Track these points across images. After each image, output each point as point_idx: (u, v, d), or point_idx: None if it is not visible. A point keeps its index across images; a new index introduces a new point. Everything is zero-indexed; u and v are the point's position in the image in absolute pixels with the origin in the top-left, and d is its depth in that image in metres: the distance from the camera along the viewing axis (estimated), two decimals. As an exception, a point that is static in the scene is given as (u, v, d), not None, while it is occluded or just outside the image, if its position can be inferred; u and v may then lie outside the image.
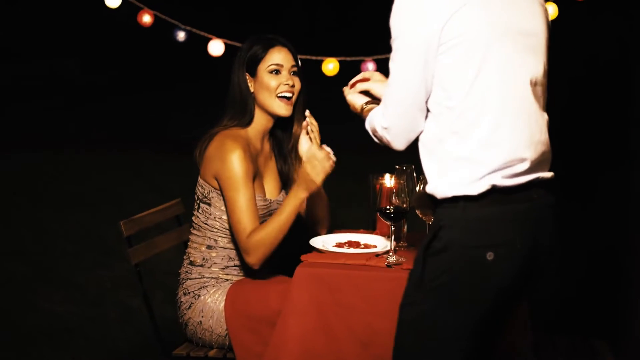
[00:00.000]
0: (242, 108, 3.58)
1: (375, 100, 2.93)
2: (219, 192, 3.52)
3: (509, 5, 2.49)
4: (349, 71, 5.04)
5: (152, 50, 14.22)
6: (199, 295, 3.56)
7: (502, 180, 2.45)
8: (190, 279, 3.60)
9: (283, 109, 3.57)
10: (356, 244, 3.39)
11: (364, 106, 2.92)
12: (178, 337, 3.70)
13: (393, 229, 3.20)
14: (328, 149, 3.39)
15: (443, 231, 2.46)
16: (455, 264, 2.45)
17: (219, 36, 4.81)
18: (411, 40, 2.43)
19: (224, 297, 3.50)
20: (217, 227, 3.57)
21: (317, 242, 3.40)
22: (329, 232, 3.73)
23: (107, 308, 5.47)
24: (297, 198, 3.37)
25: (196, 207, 3.64)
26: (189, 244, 3.67)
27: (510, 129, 2.46)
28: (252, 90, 3.58)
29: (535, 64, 2.53)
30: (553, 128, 2.66)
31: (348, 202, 3.97)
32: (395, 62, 2.49)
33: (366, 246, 3.37)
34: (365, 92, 2.99)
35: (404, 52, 2.46)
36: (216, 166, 3.48)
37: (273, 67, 3.55)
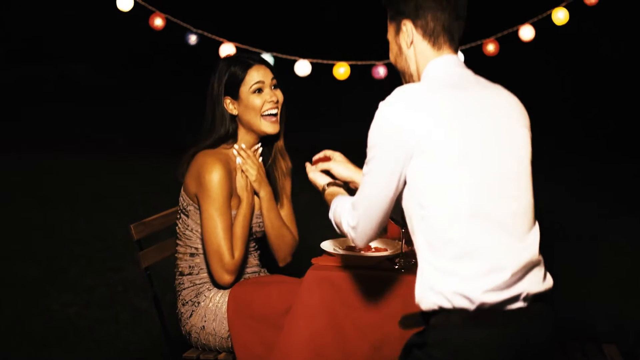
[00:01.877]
0: (222, 133, 3.60)
1: (336, 180, 3.04)
2: (196, 207, 3.56)
3: (485, 116, 2.48)
4: (360, 75, 5.06)
5: (165, 55, 14.24)
6: (199, 302, 3.58)
7: (482, 295, 2.39)
8: (184, 289, 3.63)
9: (270, 128, 3.60)
10: (367, 247, 3.39)
11: (325, 187, 3.01)
12: (185, 341, 3.71)
13: (404, 232, 3.20)
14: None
15: (425, 349, 2.44)
16: None
17: (230, 40, 4.83)
18: (386, 153, 2.45)
19: (226, 299, 3.52)
20: (193, 237, 3.61)
21: (327, 245, 3.40)
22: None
23: (117, 310, 5.47)
24: (243, 208, 3.55)
25: (178, 216, 3.69)
26: (175, 255, 3.70)
27: (485, 239, 2.42)
28: (235, 112, 3.60)
29: (515, 171, 2.50)
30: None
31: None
32: (369, 168, 2.52)
33: (377, 249, 3.37)
34: (327, 172, 3.09)
35: (378, 161, 2.48)
36: (196, 186, 3.51)
37: (255, 86, 3.56)
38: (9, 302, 5.55)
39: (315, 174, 3.09)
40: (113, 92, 13.52)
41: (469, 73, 2.59)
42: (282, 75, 3.87)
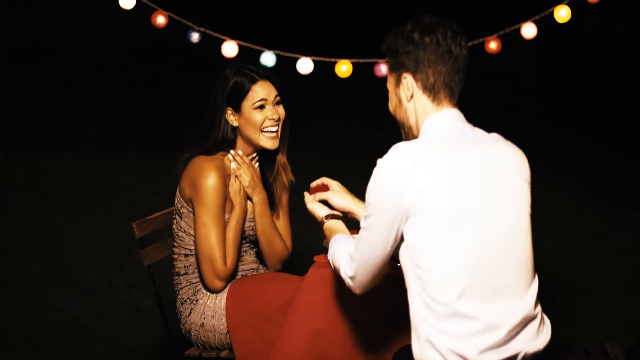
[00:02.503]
0: (220, 140, 3.60)
1: (334, 211, 3.06)
2: (190, 210, 3.57)
3: (484, 174, 2.47)
4: (362, 73, 5.06)
5: (167, 53, 14.25)
6: (197, 300, 3.59)
7: (479, 356, 2.40)
8: (182, 288, 3.64)
9: (269, 143, 3.60)
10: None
11: (324, 220, 3.04)
12: (186, 340, 3.71)
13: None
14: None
15: None
16: None
17: (233, 37, 4.82)
18: (383, 211, 2.45)
19: (224, 295, 3.53)
20: (186, 239, 3.62)
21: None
22: None
23: (119, 309, 5.48)
24: (235, 214, 3.55)
25: (173, 217, 3.70)
26: (172, 255, 3.71)
27: (481, 301, 2.42)
28: (235, 124, 3.60)
29: (514, 229, 2.50)
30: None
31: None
32: (367, 224, 2.52)
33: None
34: (325, 201, 3.12)
35: (376, 219, 2.48)
36: (191, 191, 3.52)
37: (258, 103, 3.56)
38: (12, 301, 5.55)
39: (313, 205, 3.11)
40: (114, 90, 13.54)
41: (467, 128, 2.57)
42: (284, 73, 3.87)
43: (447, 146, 2.48)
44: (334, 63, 4.88)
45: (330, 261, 2.80)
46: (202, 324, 3.55)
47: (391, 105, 2.68)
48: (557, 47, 12.99)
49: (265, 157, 3.72)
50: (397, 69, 2.60)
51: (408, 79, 2.57)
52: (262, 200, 3.64)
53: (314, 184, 3.21)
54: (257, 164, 3.69)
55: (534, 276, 2.56)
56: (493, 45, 4.94)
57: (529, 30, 4.94)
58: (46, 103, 12.66)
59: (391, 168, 2.43)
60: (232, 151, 3.59)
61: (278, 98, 3.62)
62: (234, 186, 3.57)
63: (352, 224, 3.09)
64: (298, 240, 3.79)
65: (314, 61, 4.86)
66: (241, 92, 3.56)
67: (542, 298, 3.98)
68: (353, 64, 4.87)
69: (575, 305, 5.53)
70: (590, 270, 6.17)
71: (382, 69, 4.88)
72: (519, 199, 2.52)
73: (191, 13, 5.18)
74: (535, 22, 4.94)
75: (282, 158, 3.72)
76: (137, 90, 13.62)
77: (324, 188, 3.17)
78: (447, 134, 2.52)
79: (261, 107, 3.56)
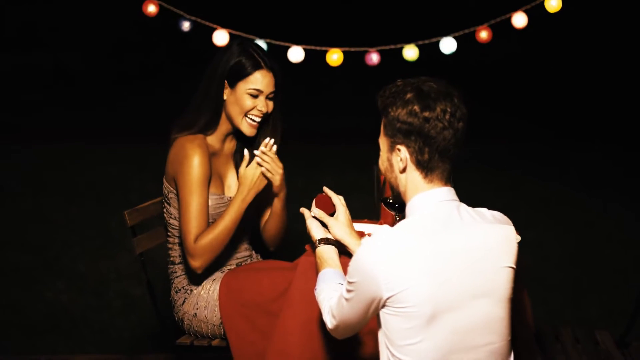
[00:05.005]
0: (210, 118, 3.57)
1: (329, 234, 3.00)
2: (175, 193, 3.55)
3: (466, 262, 2.44)
4: (353, 62, 5.06)
5: (158, 42, 14.21)
6: (191, 290, 3.58)
7: None
8: (177, 277, 3.64)
9: (248, 130, 3.58)
10: (361, 234, 3.39)
11: (318, 244, 2.97)
12: (179, 327, 3.71)
13: (397, 218, 3.21)
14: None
15: None
16: None
17: (224, 26, 4.81)
18: (362, 294, 2.44)
19: (217, 286, 3.52)
20: (177, 226, 3.60)
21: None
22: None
23: (110, 297, 5.48)
24: (237, 205, 3.45)
25: (163, 206, 3.70)
26: (167, 244, 3.70)
27: None
28: (224, 98, 3.57)
29: (491, 319, 2.48)
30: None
31: (352, 192, 4.00)
32: (349, 296, 2.49)
33: (370, 235, 3.37)
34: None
35: (355, 296, 2.46)
36: (175, 170, 3.51)
37: (253, 91, 3.53)
38: (2, 290, 5.55)
39: (312, 224, 3.05)
40: (104, 80, 13.50)
41: (455, 211, 2.51)
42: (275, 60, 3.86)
43: (432, 234, 2.43)
44: (325, 52, 4.88)
45: (316, 296, 2.78)
46: (195, 314, 3.55)
47: (382, 165, 2.63)
48: (548, 36, 13.01)
49: (246, 144, 3.70)
50: (392, 137, 2.52)
51: (402, 152, 2.50)
52: (284, 196, 3.62)
53: (318, 197, 3.13)
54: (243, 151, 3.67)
55: (508, 359, 2.56)
56: (484, 34, 4.95)
57: (519, 19, 4.95)
58: (35, 93, 12.62)
59: (373, 258, 2.40)
60: (256, 151, 3.48)
61: (272, 95, 3.59)
62: (249, 178, 3.49)
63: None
64: (290, 229, 3.80)
65: (305, 50, 4.86)
66: (241, 73, 3.53)
67: (533, 286, 3.99)
68: (344, 52, 4.87)
69: (566, 293, 5.56)
70: (580, 260, 6.20)
71: (373, 57, 4.88)
72: (499, 288, 2.49)
73: (182, 2, 5.16)
74: (526, 12, 4.95)
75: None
76: (126, 79, 13.59)
77: (328, 202, 3.11)
78: (433, 218, 2.47)
79: (255, 95, 3.54)
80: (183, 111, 3.64)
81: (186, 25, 4.89)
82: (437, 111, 2.45)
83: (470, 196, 2.95)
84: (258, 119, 3.57)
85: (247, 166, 3.50)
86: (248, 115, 3.56)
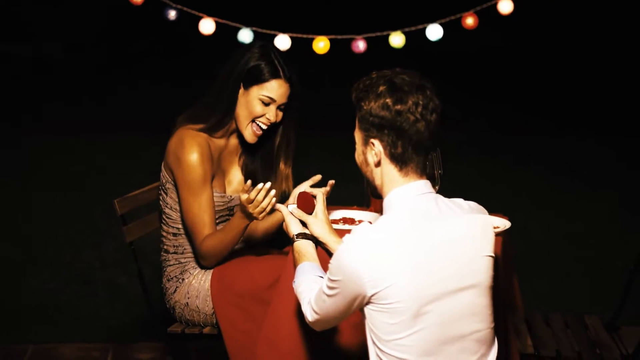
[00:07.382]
0: (222, 118, 3.52)
1: (306, 229, 3.00)
2: (173, 185, 3.53)
3: (445, 254, 2.45)
4: (339, 49, 5.05)
5: (145, 31, 14.14)
6: (183, 279, 3.58)
7: None
8: (169, 265, 3.63)
9: (250, 137, 3.53)
10: (351, 221, 3.39)
11: (295, 239, 2.97)
12: (169, 315, 3.71)
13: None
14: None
15: None
16: None
17: (210, 15, 4.79)
18: (345, 292, 2.44)
19: (209, 276, 3.52)
20: (174, 216, 3.58)
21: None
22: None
23: (96, 286, 5.47)
24: (238, 224, 3.34)
25: (159, 193, 3.66)
26: (161, 232, 3.68)
27: None
28: (237, 97, 3.51)
29: (474, 306, 2.49)
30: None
31: (339, 181, 3.97)
32: (330, 292, 2.49)
33: (360, 223, 3.37)
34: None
35: (338, 293, 2.46)
36: (173, 163, 3.47)
37: (266, 99, 3.46)
38: (-12, 280, 5.54)
39: (291, 220, 3.02)
40: (89, 70, 13.43)
41: (432, 203, 2.51)
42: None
43: (412, 228, 2.44)
44: (312, 39, 4.87)
45: (294, 289, 2.79)
46: (187, 303, 3.55)
47: (358, 159, 2.62)
48: (533, 23, 13.02)
49: (252, 147, 3.65)
50: (366, 131, 2.52)
51: (376, 146, 2.50)
52: (243, 226, 3.41)
53: (297, 192, 3.14)
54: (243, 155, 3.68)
55: (493, 342, 2.58)
56: (470, 21, 4.95)
57: (505, 6, 4.95)
58: (18, 82, 12.54)
59: (355, 256, 2.40)
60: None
61: (284, 106, 3.52)
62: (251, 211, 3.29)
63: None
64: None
65: (291, 37, 4.84)
66: (258, 78, 3.45)
67: (522, 271, 4.01)
68: (330, 40, 4.86)
69: (554, 279, 5.58)
70: (568, 245, 6.23)
71: (360, 45, 4.88)
72: (482, 277, 2.50)
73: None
74: (512, -1, 4.95)
75: (286, 170, 3.65)
76: (112, 69, 13.52)
77: (310, 201, 3.10)
78: (411, 212, 2.47)
79: (267, 103, 3.47)
80: (195, 103, 3.58)
81: (172, 14, 4.86)
82: (409, 104, 2.45)
83: (458, 184, 2.95)
84: (265, 127, 3.51)
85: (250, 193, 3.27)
86: (255, 122, 3.50)
